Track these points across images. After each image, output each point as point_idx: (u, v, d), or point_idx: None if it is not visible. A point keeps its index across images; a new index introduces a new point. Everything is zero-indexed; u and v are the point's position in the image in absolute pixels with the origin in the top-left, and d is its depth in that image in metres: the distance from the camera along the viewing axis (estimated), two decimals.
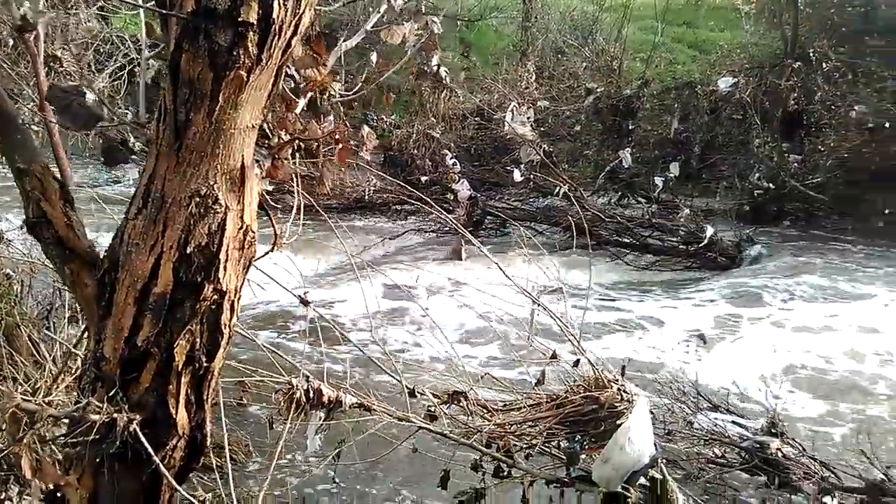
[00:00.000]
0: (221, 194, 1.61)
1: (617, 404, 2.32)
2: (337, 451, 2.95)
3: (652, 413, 3.99)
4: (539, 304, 2.61)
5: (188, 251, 1.60)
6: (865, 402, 5.30)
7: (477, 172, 10.59)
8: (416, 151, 10.46)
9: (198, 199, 1.58)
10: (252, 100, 1.56)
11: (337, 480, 3.62)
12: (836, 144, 10.07)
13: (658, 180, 9.89)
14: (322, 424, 2.38)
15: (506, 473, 2.53)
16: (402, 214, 9.66)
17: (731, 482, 3.92)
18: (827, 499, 3.55)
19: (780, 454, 3.72)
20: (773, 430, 3.77)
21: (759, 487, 3.87)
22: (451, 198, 9.21)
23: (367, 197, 9.56)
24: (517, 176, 9.34)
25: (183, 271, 1.62)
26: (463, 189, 9.17)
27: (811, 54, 10.60)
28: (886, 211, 9.81)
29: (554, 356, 2.61)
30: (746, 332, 6.54)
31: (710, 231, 8.88)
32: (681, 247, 8.91)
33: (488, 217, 9.69)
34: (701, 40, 15.58)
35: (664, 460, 3.83)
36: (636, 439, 2.23)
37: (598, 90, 11.56)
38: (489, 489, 2.55)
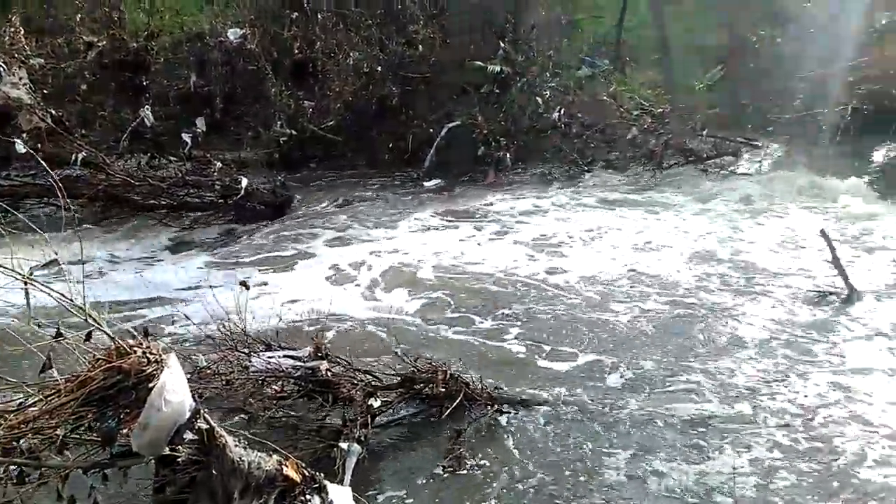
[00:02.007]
0: None
1: (145, 368, 2.20)
2: None
3: (207, 367, 3.98)
4: (34, 283, 2.28)
5: None
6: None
7: None
8: None
9: None
10: None
11: None
12: (341, 89, 11.13)
13: (186, 136, 9.57)
14: None
15: (35, 476, 2.22)
16: None
17: (293, 412, 4.16)
18: (371, 400, 4.03)
19: (329, 374, 4.06)
20: (319, 354, 4.07)
21: (318, 408, 4.16)
22: None
23: None
24: (20, 147, 8.02)
25: None
26: None
27: (306, 5, 11.35)
28: (390, 145, 11.32)
29: (59, 335, 2.33)
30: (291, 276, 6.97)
31: (244, 182, 9.05)
32: (219, 201, 8.88)
33: None
34: None
35: (225, 410, 3.87)
36: (172, 397, 2.16)
37: (100, 44, 10.54)
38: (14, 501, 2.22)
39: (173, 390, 2.13)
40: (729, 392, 4.56)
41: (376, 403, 4.09)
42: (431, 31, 11.92)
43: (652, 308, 5.99)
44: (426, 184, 10.64)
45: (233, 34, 11.08)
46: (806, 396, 4.50)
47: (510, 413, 4.33)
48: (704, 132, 12.31)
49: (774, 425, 4.15)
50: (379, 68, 11.39)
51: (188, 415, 2.22)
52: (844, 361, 4.99)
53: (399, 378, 4.37)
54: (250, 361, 4.12)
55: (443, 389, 4.28)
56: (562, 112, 11.67)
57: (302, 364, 4.14)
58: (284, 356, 4.22)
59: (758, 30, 13.98)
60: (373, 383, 4.28)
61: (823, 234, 6.53)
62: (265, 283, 6.62)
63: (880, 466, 3.77)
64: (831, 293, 6.19)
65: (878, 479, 3.68)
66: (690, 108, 12.59)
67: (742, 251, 7.46)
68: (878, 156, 11.32)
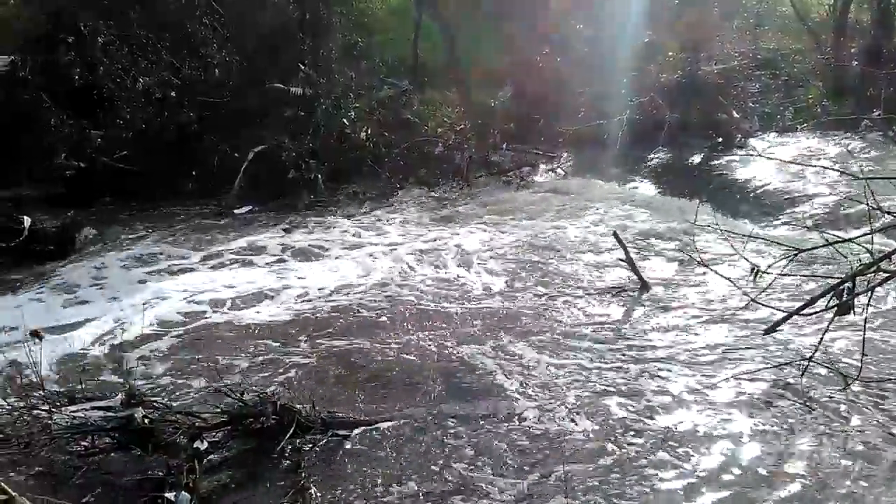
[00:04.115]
0: None
1: None
2: None
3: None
4: None
5: None
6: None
7: None
8: None
9: None
10: None
11: None
12: (132, 115, 10.39)
13: None
14: None
15: None
16: None
17: (110, 467, 3.78)
18: (197, 443, 3.77)
19: (146, 421, 3.75)
20: (132, 401, 3.75)
21: (138, 459, 3.82)
22: None
23: None
24: None
25: None
26: None
27: (82, 28, 10.47)
28: (193, 173, 10.74)
29: None
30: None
31: (27, 222, 8.17)
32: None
33: None
34: None
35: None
36: None
37: None
38: None
39: None
40: (536, 385, 4.83)
41: (203, 446, 3.83)
42: (227, 55, 11.54)
43: (472, 311, 6.22)
44: (237, 211, 10.23)
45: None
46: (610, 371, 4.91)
47: (349, 436, 4.25)
48: (504, 146, 13.10)
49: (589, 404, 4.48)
50: (173, 93, 10.80)
51: None
52: (642, 335, 5.52)
53: (226, 415, 4.14)
54: (52, 419, 3.70)
55: (274, 421, 4.11)
56: (369, 132, 11.83)
57: (114, 414, 3.79)
58: (93, 408, 3.84)
59: (540, 50, 15.14)
60: (197, 424, 4.01)
61: (616, 235, 7.19)
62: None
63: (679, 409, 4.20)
64: (625, 289, 6.81)
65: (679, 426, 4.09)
66: (488, 124, 13.34)
67: (547, 253, 8.00)
68: (653, 159, 12.71)
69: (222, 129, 10.89)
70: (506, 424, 4.35)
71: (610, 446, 4.05)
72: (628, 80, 14.09)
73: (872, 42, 14.74)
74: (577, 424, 4.31)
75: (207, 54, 11.44)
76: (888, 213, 5.21)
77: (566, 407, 4.53)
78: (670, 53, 14.63)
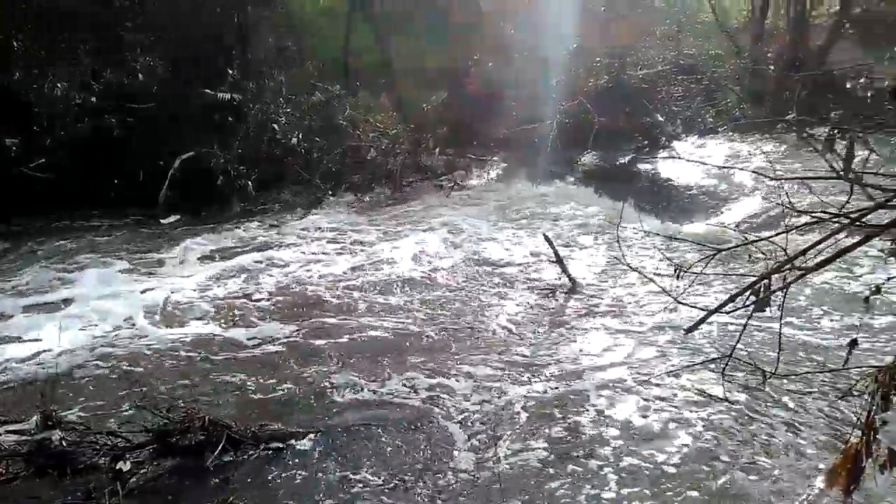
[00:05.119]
0: None
1: None
2: None
3: None
4: None
5: None
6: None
7: None
8: None
9: None
10: None
11: None
12: (49, 124, 9.96)
13: None
14: None
15: None
16: None
17: (28, 494, 3.61)
18: (120, 464, 3.64)
19: (64, 444, 3.60)
20: (49, 423, 3.60)
21: (56, 485, 3.66)
22: None
23: None
24: None
25: None
26: None
27: None
28: (116, 181, 10.37)
29: None
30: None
31: None
32: None
33: None
34: None
35: None
36: None
37: None
38: None
39: None
40: (482, 384, 4.88)
41: (126, 467, 3.71)
42: (152, 60, 11.19)
43: (397, 322, 6.21)
44: (164, 220, 9.94)
45: None
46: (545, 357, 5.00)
47: (280, 448, 4.18)
48: (437, 150, 13.14)
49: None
50: (94, 99, 10.41)
51: None
52: (574, 333, 5.63)
53: (150, 434, 4.01)
54: None
55: (202, 437, 4.01)
56: (300, 137, 11.68)
57: (30, 437, 3.63)
58: (6, 432, 3.66)
59: (472, 55, 15.26)
60: (119, 445, 3.88)
61: (546, 237, 7.32)
62: None
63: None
64: (556, 289, 6.94)
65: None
66: (422, 128, 13.36)
67: (483, 255, 8.07)
68: (583, 161, 12.96)
69: (148, 136, 10.56)
70: (434, 430, 4.37)
71: (539, 452, 4.12)
72: (558, 85, 14.35)
73: (788, 47, 15.42)
74: (505, 425, 4.36)
75: (132, 58, 11.07)
76: (801, 211, 5.48)
77: (489, 411, 4.57)
78: (598, 59, 14.97)
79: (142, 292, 7.12)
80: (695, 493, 3.63)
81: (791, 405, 4.44)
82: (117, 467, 3.59)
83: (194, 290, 7.18)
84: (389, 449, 4.18)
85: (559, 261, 7.04)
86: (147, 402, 4.33)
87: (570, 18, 15.22)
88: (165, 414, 4.05)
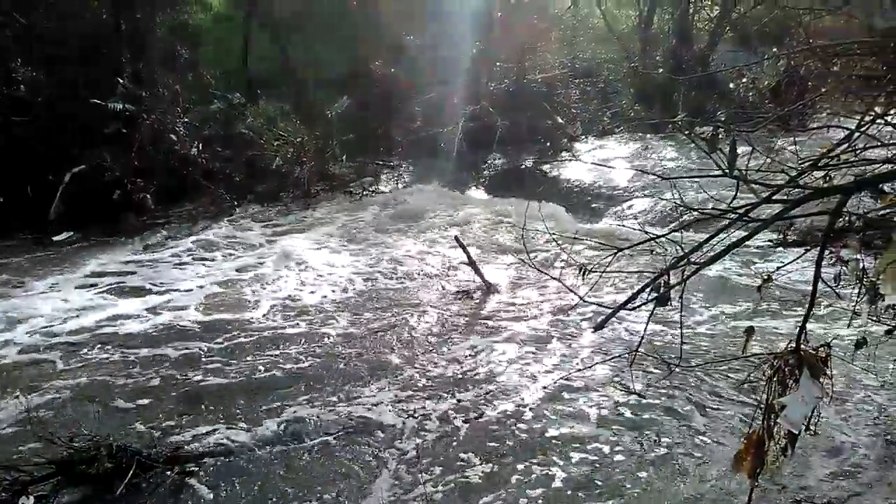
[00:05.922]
0: None
1: None
2: None
3: None
4: None
5: None
6: None
7: None
8: None
9: None
10: None
11: None
12: None
13: None
14: None
15: None
16: None
17: None
18: (22, 499, 3.44)
19: None
20: None
21: None
22: None
23: None
24: None
25: None
26: None
27: None
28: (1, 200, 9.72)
29: None
30: None
31: None
32: None
33: None
34: None
35: None
36: None
37: None
38: None
39: None
40: (378, 391, 4.90)
41: (29, 501, 3.51)
42: (33, 70, 10.55)
43: (313, 332, 6.15)
44: (56, 238, 9.40)
45: None
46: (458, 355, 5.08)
47: (196, 470, 4.04)
48: (344, 157, 13.05)
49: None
50: None
51: None
52: (486, 342, 5.75)
53: (53, 465, 3.80)
54: None
55: (110, 465, 3.83)
56: (200, 147, 11.32)
57: None
58: None
59: (374, 60, 15.24)
60: (20, 479, 3.66)
61: (458, 240, 7.41)
62: None
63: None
64: (470, 292, 7.05)
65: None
66: (327, 135, 13.23)
67: (391, 262, 8.09)
68: (488, 164, 13.22)
69: (35, 151, 9.94)
70: (360, 438, 4.37)
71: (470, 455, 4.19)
72: (460, 89, 14.57)
73: (674, 51, 16.27)
74: (426, 427, 4.41)
75: (11, 69, 10.40)
76: (693, 208, 5.81)
77: (411, 413, 4.61)
78: (498, 63, 15.28)
79: (28, 315, 6.69)
80: (608, 492, 3.79)
81: (697, 394, 4.69)
82: (19, 502, 3.38)
83: (87, 312, 6.79)
84: (314, 465, 4.14)
85: (472, 263, 7.15)
86: (46, 432, 4.09)
87: (469, 22, 15.50)
88: (68, 443, 3.85)
